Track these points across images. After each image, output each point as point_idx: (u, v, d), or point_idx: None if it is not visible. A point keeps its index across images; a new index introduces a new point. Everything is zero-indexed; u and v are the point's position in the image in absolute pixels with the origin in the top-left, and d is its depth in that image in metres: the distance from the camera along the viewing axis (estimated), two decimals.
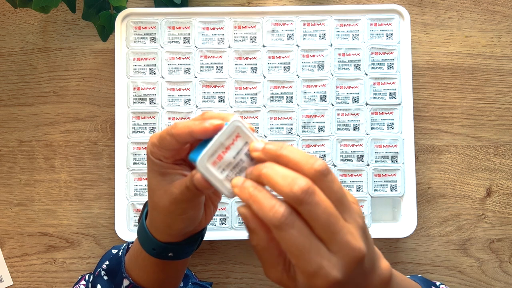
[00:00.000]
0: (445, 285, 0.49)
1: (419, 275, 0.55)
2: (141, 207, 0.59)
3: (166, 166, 0.37)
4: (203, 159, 0.31)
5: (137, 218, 0.59)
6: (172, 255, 0.41)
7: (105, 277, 0.47)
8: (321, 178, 0.29)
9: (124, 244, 0.51)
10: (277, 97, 0.60)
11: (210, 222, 0.59)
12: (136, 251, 0.43)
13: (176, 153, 0.37)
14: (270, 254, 0.30)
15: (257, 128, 0.60)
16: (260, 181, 0.30)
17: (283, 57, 0.61)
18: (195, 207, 0.38)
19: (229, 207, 0.60)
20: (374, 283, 0.32)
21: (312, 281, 0.28)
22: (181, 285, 0.56)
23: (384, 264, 0.33)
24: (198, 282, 0.58)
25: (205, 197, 0.41)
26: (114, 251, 0.52)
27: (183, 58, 0.61)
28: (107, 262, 0.48)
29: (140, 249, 0.42)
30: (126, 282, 0.44)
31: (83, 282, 0.51)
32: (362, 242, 0.29)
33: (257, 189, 0.29)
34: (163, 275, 0.43)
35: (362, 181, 0.60)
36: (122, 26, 0.60)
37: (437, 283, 0.48)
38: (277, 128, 0.60)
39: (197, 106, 0.60)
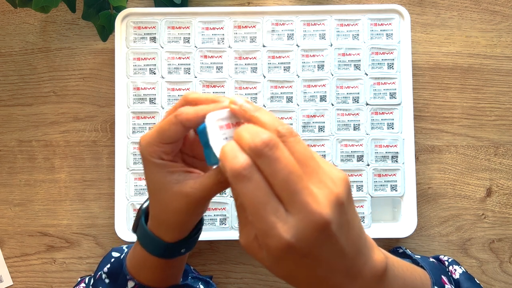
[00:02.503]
0: (462, 267, 0.45)
1: (432, 256, 0.52)
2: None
3: (169, 164, 0.36)
4: (213, 115, 0.31)
5: None
6: (185, 250, 0.40)
7: (107, 280, 0.47)
8: (285, 139, 0.28)
9: (125, 247, 0.51)
10: (277, 97, 0.60)
11: (211, 222, 0.59)
12: (142, 255, 0.41)
13: (177, 146, 0.36)
14: (246, 213, 0.29)
15: None
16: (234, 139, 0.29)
17: (283, 57, 0.61)
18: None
19: (229, 207, 0.60)
20: (363, 273, 0.30)
21: (264, 241, 0.27)
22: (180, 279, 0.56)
23: (378, 255, 0.31)
24: (198, 276, 0.58)
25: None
26: (114, 254, 0.52)
27: (183, 58, 0.61)
28: (108, 265, 0.48)
29: (146, 254, 0.40)
30: (131, 284, 0.44)
31: (82, 284, 0.50)
32: (328, 209, 0.27)
33: (229, 143, 0.29)
34: (171, 270, 0.43)
35: (362, 181, 0.60)
36: (122, 26, 0.60)
37: (453, 268, 0.45)
38: None
39: None
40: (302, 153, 0.28)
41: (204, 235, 0.59)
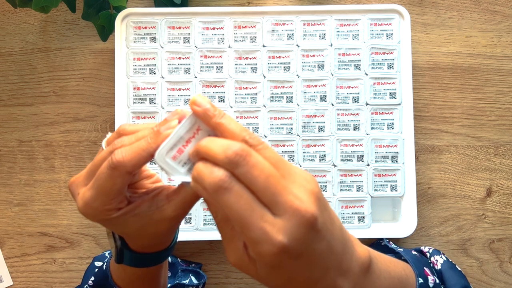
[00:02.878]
0: (443, 257, 0.45)
1: (414, 249, 0.53)
2: None
3: (130, 209, 0.33)
4: (161, 153, 0.29)
5: None
6: (171, 252, 0.40)
7: None
8: (254, 147, 0.28)
9: (107, 254, 0.51)
10: (277, 97, 0.60)
11: (211, 222, 0.59)
12: (129, 270, 0.41)
13: (124, 191, 0.33)
14: (230, 225, 0.29)
15: (257, 128, 0.60)
16: (200, 157, 0.28)
17: (283, 57, 0.61)
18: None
19: None
20: (352, 268, 0.30)
21: (258, 250, 0.27)
22: (169, 274, 0.55)
23: (361, 249, 0.31)
24: (187, 268, 0.58)
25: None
26: (97, 264, 0.51)
27: (183, 58, 0.61)
28: (92, 278, 0.47)
29: (134, 269, 0.40)
30: None
31: None
32: (313, 205, 0.27)
33: (200, 162, 0.28)
34: (159, 274, 0.43)
35: (362, 181, 0.60)
36: (122, 26, 0.60)
37: (435, 259, 0.45)
38: (277, 128, 0.60)
39: None
40: (273, 157, 0.28)
41: (204, 235, 0.59)
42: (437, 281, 0.40)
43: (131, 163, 0.30)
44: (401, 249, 0.50)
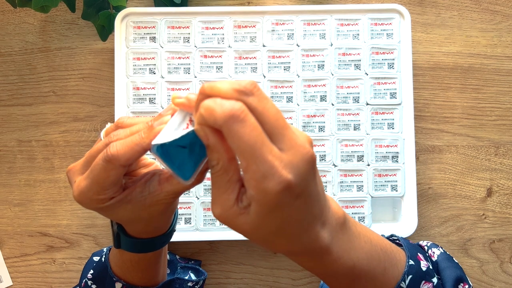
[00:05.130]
0: (440, 249, 0.45)
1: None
2: None
3: (123, 197, 0.34)
4: (155, 146, 0.30)
5: None
6: (168, 239, 0.41)
7: (93, 286, 0.47)
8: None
9: (105, 249, 0.51)
10: (277, 97, 0.60)
11: (211, 222, 0.59)
12: (128, 257, 0.41)
13: (120, 182, 0.33)
14: (228, 176, 0.29)
15: None
16: (204, 97, 0.28)
17: (283, 57, 0.61)
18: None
19: None
20: (329, 220, 0.31)
21: (264, 186, 0.27)
22: (168, 271, 0.55)
23: (335, 206, 0.33)
24: (186, 265, 0.58)
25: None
26: (95, 258, 0.52)
27: (183, 58, 0.60)
28: (91, 271, 0.48)
29: (133, 255, 0.40)
30: (118, 285, 0.43)
31: None
32: (310, 147, 0.28)
33: (207, 99, 0.27)
34: (156, 262, 0.43)
35: (362, 181, 0.60)
36: (121, 26, 0.60)
37: (432, 251, 0.45)
38: None
39: None
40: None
41: (204, 235, 0.59)
42: (431, 267, 0.40)
43: (124, 157, 0.31)
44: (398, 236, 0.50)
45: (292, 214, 0.28)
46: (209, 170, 0.30)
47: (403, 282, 0.36)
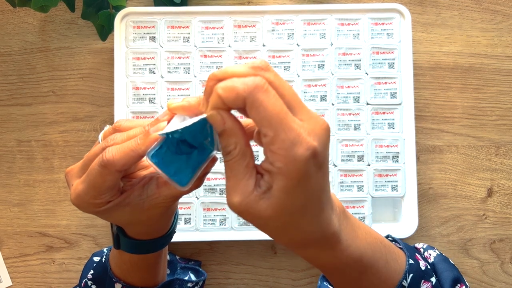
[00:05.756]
0: (436, 251, 0.45)
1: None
2: None
3: (121, 200, 0.34)
4: (150, 155, 0.30)
5: None
6: (168, 241, 0.41)
7: (93, 287, 0.47)
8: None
9: (106, 249, 0.51)
10: None
11: (210, 223, 0.59)
12: (129, 259, 0.41)
13: (117, 185, 0.33)
14: (245, 161, 0.29)
15: None
16: (218, 79, 0.28)
17: (283, 57, 0.60)
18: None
19: (229, 208, 0.59)
20: (335, 208, 0.32)
21: (292, 153, 0.27)
22: (168, 272, 0.55)
23: (333, 195, 0.33)
24: (186, 265, 0.58)
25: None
26: (95, 259, 0.52)
27: (183, 58, 0.60)
28: (91, 272, 0.48)
29: (133, 256, 0.40)
30: (118, 286, 0.43)
31: None
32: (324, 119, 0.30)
33: (223, 81, 0.28)
34: (156, 263, 0.43)
35: (362, 181, 0.60)
36: (121, 26, 0.60)
37: (428, 253, 0.45)
38: None
39: None
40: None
41: (204, 236, 0.59)
42: (429, 267, 0.40)
43: (120, 162, 0.31)
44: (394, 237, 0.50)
45: (314, 188, 0.28)
46: (223, 160, 0.29)
47: (405, 281, 0.36)
